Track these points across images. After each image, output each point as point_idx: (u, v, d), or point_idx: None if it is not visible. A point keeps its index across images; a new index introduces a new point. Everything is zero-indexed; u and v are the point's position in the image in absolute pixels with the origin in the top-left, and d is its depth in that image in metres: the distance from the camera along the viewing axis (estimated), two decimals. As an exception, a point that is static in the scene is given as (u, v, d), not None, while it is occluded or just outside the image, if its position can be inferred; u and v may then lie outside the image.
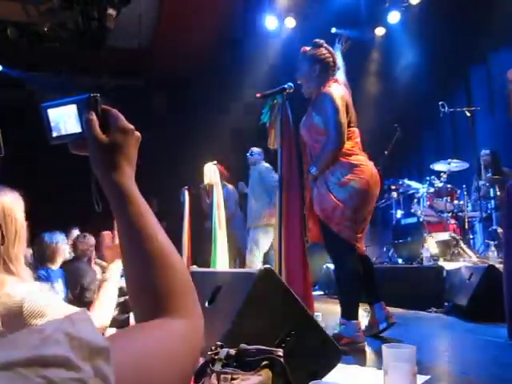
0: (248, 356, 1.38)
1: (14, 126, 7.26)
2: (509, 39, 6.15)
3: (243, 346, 1.42)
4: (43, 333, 0.36)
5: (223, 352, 1.40)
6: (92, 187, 0.77)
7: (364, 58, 7.70)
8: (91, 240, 4.45)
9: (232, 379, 1.30)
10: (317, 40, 3.09)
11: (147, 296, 0.63)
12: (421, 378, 1.83)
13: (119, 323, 3.26)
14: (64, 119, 0.75)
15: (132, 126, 0.73)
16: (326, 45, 3.07)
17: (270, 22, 7.54)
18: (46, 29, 6.29)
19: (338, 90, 2.92)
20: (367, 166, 2.89)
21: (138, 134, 0.74)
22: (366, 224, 2.92)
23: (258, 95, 3.02)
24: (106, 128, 0.72)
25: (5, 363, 0.33)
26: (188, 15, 7.12)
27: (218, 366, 1.35)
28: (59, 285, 3.60)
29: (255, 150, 5.64)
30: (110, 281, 1.76)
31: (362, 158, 2.90)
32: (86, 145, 0.72)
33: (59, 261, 3.72)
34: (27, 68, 7.89)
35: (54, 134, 0.76)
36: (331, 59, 3.02)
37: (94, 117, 0.71)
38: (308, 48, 3.07)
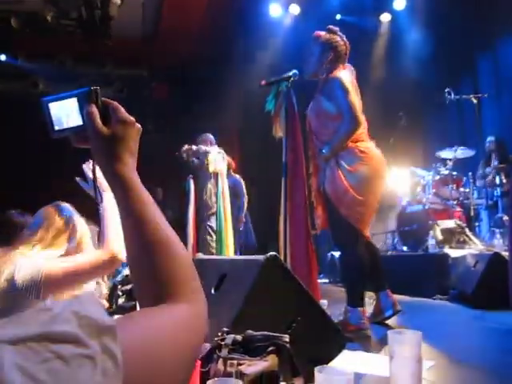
0: (254, 342, 1.40)
1: (16, 116, 7.29)
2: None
3: (249, 332, 1.43)
4: (52, 311, 0.38)
5: (230, 338, 1.41)
6: (93, 179, 0.78)
7: (369, 45, 7.62)
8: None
9: (238, 365, 1.32)
10: (331, 26, 3.06)
11: (151, 283, 0.64)
12: (426, 364, 1.84)
13: (125, 311, 3.29)
14: (65, 113, 0.76)
15: (133, 118, 0.74)
16: (340, 33, 3.04)
17: (274, 9, 7.47)
18: (49, 18, 6.27)
19: (347, 75, 2.91)
20: (375, 153, 2.89)
21: (138, 125, 0.75)
22: (373, 211, 2.92)
23: (263, 83, 3.01)
24: (106, 120, 0.73)
25: (16, 338, 0.34)
26: (191, 3, 7.06)
27: (224, 352, 1.37)
28: None
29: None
30: (108, 210, 1.58)
31: (369, 145, 2.89)
32: (87, 137, 0.73)
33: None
34: (30, 58, 7.88)
35: (56, 128, 0.78)
36: (344, 47, 3.00)
37: (94, 109, 0.73)
38: (322, 33, 3.04)
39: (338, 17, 7.32)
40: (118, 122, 0.72)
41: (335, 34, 3.01)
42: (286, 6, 7.45)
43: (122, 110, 0.74)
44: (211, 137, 5.51)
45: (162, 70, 8.54)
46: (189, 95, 8.21)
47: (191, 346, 0.58)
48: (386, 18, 7.62)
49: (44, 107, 0.77)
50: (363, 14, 7.40)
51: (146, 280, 0.65)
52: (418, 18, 7.23)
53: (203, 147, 5.26)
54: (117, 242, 1.53)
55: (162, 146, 8.41)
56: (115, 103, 0.75)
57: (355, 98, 2.83)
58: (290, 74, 2.89)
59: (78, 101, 0.75)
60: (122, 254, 1.53)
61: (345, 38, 3.04)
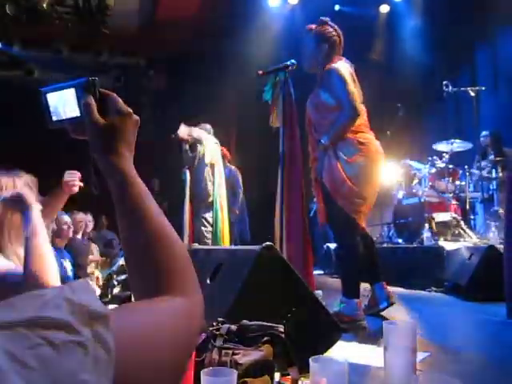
0: (249, 332, 1.39)
1: (12, 105, 7.23)
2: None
3: (244, 322, 1.43)
4: (43, 297, 0.37)
5: (224, 328, 1.41)
6: (90, 170, 0.78)
7: (367, 37, 7.59)
8: (79, 215, 4.61)
9: (233, 354, 1.32)
10: (322, 18, 3.03)
11: (147, 276, 0.64)
12: (420, 355, 1.85)
13: (121, 300, 3.30)
14: (63, 103, 0.76)
15: (130, 110, 0.74)
16: (331, 23, 3.01)
17: (272, -1, 7.43)
18: (45, 5, 6.20)
19: (344, 65, 2.89)
20: (374, 145, 2.88)
21: (136, 117, 0.74)
22: (370, 203, 2.92)
23: (261, 72, 2.98)
24: (104, 111, 0.72)
25: (6, 323, 0.33)
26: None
27: (219, 342, 1.36)
28: (67, 263, 3.66)
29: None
30: (38, 236, 1.38)
31: (368, 137, 2.88)
32: (85, 128, 0.73)
33: (64, 240, 3.83)
34: (26, 45, 7.80)
35: (54, 118, 0.77)
36: (337, 38, 2.97)
37: (91, 100, 0.72)
38: (313, 26, 3.01)
39: (337, 7, 7.28)
40: (115, 113, 0.72)
41: (327, 25, 2.98)
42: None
43: (120, 101, 0.73)
44: (208, 127, 5.48)
45: (159, 59, 8.48)
46: (186, 85, 8.16)
47: (186, 338, 0.58)
48: (384, 9, 7.58)
49: (42, 97, 0.77)
50: (362, 4, 7.35)
51: (141, 273, 0.65)
52: (416, 9, 7.20)
53: (203, 135, 5.20)
54: (45, 272, 1.33)
55: (158, 135, 8.37)
56: (113, 94, 0.74)
57: (353, 88, 2.81)
58: (288, 63, 2.87)
59: (76, 91, 0.75)
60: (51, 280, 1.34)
61: (337, 28, 3.00)
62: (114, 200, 0.69)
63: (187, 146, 5.20)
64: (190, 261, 0.67)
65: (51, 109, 0.77)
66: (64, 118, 0.76)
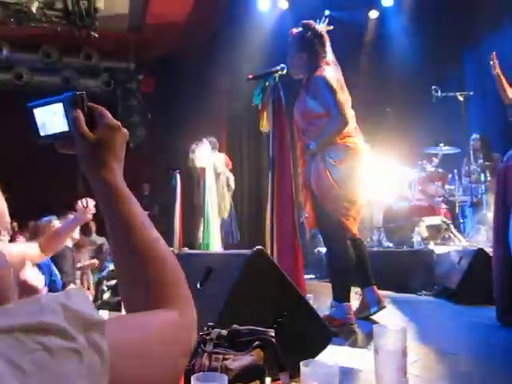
0: (240, 336, 1.39)
1: (0, 109, 7.16)
2: (502, 23, 6.13)
3: (235, 326, 1.42)
4: (40, 303, 0.37)
5: (215, 332, 1.40)
6: (79, 184, 0.77)
7: (357, 42, 7.64)
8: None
9: (224, 359, 1.31)
10: (304, 22, 3.01)
11: (138, 289, 0.64)
12: (410, 359, 1.85)
13: (111, 306, 3.27)
14: (50, 118, 0.75)
15: (119, 123, 0.73)
16: (314, 26, 2.98)
17: (262, 3, 7.44)
18: (34, 8, 6.16)
19: (330, 72, 2.89)
20: (362, 149, 2.89)
21: (125, 130, 0.74)
22: (360, 206, 2.92)
23: (250, 77, 2.98)
24: (92, 125, 0.72)
25: (2, 328, 0.34)
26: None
27: (209, 347, 1.35)
28: (54, 268, 3.62)
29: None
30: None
31: (356, 141, 2.88)
32: (73, 143, 0.72)
33: None
34: (15, 49, 7.74)
35: (42, 134, 0.76)
36: (318, 44, 2.93)
37: (80, 114, 0.71)
38: (296, 31, 3.00)
39: (327, 12, 7.31)
40: (103, 126, 0.71)
41: (308, 31, 2.94)
42: (275, 1, 7.42)
43: (109, 114, 0.73)
44: (214, 140, 5.52)
45: (149, 62, 8.46)
46: (176, 88, 8.15)
47: (180, 350, 0.58)
48: (374, 14, 7.64)
49: (29, 113, 0.76)
50: (352, 9, 7.40)
51: (133, 286, 0.65)
52: (405, 14, 7.26)
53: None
54: None
55: (148, 139, 8.35)
56: (101, 108, 0.74)
57: (342, 97, 2.81)
58: (278, 67, 2.86)
59: (64, 106, 0.74)
60: None
61: (321, 30, 2.95)
62: (102, 213, 0.68)
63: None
64: (182, 273, 0.66)
65: (38, 124, 0.75)
66: (52, 132, 0.75)
